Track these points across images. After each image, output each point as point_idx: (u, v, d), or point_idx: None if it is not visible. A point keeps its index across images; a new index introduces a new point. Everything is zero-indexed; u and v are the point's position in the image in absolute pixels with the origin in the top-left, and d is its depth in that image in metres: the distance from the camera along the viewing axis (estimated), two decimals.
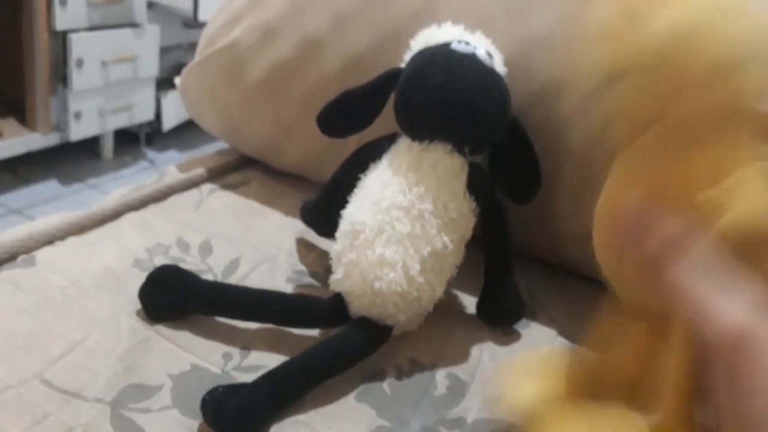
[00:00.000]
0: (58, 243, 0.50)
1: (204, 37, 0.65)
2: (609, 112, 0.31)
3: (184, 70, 0.65)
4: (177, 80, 0.67)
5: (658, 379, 0.31)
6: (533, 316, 0.50)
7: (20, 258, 0.47)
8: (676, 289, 0.26)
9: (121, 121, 1.70)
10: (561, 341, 0.48)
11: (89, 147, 1.76)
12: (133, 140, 1.88)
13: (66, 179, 1.66)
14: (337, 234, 0.44)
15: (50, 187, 1.62)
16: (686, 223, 0.27)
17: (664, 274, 0.26)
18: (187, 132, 1.87)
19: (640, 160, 0.30)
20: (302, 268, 0.52)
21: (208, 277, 0.48)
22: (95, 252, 0.49)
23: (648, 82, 0.29)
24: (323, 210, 0.50)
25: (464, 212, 0.44)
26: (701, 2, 0.28)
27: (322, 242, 0.54)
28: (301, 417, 0.38)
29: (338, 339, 0.41)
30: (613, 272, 0.33)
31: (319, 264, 0.52)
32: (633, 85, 0.29)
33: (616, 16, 0.30)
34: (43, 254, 0.48)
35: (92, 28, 1.54)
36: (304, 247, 0.54)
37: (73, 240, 0.50)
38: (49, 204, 1.53)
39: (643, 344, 0.32)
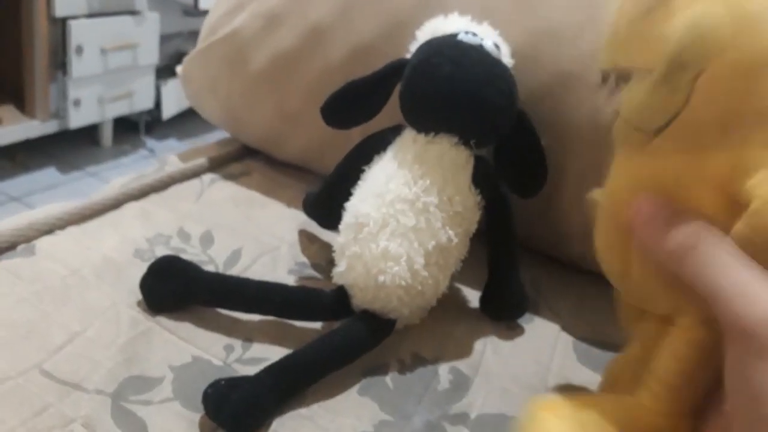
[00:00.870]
0: (58, 232, 0.49)
1: (206, 25, 0.64)
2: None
3: (186, 59, 0.65)
4: (179, 69, 0.66)
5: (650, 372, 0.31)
6: (537, 311, 0.49)
7: (20, 247, 0.47)
8: (702, 279, 0.26)
9: (121, 108, 1.70)
10: (564, 336, 0.47)
11: (88, 135, 1.75)
12: (133, 128, 1.88)
13: (65, 167, 1.66)
14: (341, 226, 0.44)
15: (49, 174, 1.61)
16: (707, 219, 0.27)
17: (688, 265, 0.26)
18: (187, 120, 1.86)
19: (653, 157, 0.29)
20: (304, 260, 0.51)
21: (210, 268, 0.48)
22: (95, 241, 0.49)
23: (676, 81, 0.27)
24: (326, 202, 0.50)
25: (469, 205, 0.43)
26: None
27: (324, 234, 0.54)
28: (303, 410, 0.37)
29: (341, 332, 0.41)
30: (617, 271, 0.32)
31: (322, 256, 0.51)
32: (651, 84, 0.28)
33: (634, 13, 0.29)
34: (42, 243, 0.48)
35: (92, 15, 1.53)
36: (306, 238, 0.54)
37: (72, 229, 0.50)
38: (48, 191, 1.52)
39: (653, 336, 0.32)
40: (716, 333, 0.28)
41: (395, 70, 0.45)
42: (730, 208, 0.27)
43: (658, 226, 0.28)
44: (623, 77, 0.29)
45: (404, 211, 0.41)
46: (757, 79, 0.26)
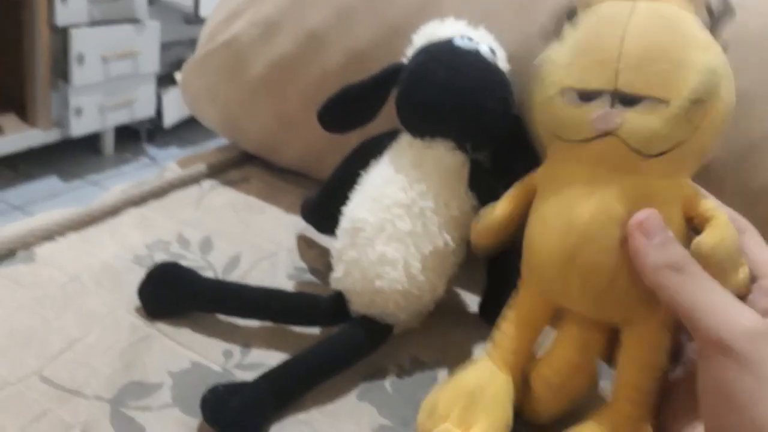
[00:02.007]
0: (58, 239, 0.49)
1: (204, 32, 0.64)
2: None
3: (184, 66, 0.65)
4: (177, 76, 0.66)
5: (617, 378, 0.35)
6: None
7: (19, 254, 0.47)
8: (686, 297, 0.29)
9: (122, 117, 1.70)
10: None
11: (90, 143, 1.76)
12: (134, 137, 1.88)
13: (66, 176, 1.66)
14: (338, 231, 0.44)
15: (51, 183, 1.62)
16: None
17: (674, 283, 0.30)
18: (188, 128, 1.86)
19: (644, 177, 0.33)
20: (303, 265, 0.51)
21: (209, 274, 0.48)
22: (95, 248, 0.49)
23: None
24: (324, 207, 0.50)
25: (466, 210, 0.43)
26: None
27: (322, 239, 0.54)
28: (301, 416, 0.38)
29: (339, 337, 0.41)
30: (604, 280, 0.34)
31: (320, 261, 0.52)
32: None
33: None
34: (42, 250, 0.48)
35: (93, 24, 1.54)
36: (304, 244, 0.54)
37: (72, 236, 0.50)
38: (50, 200, 1.53)
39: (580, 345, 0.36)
40: (673, 338, 0.34)
41: (391, 74, 0.46)
42: (685, 226, 0.33)
43: (654, 242, 0.31)
44: (626, 100, 0.32)
45: (401, 216, 0.41)
46: (725, 121, 0.33)
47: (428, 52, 0.44)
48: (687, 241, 0.32)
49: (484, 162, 0.46)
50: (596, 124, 0.33)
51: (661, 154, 0.32)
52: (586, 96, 0.34)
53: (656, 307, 0.33)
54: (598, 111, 0.33)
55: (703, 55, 0.32)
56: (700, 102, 0.31)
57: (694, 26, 0.33)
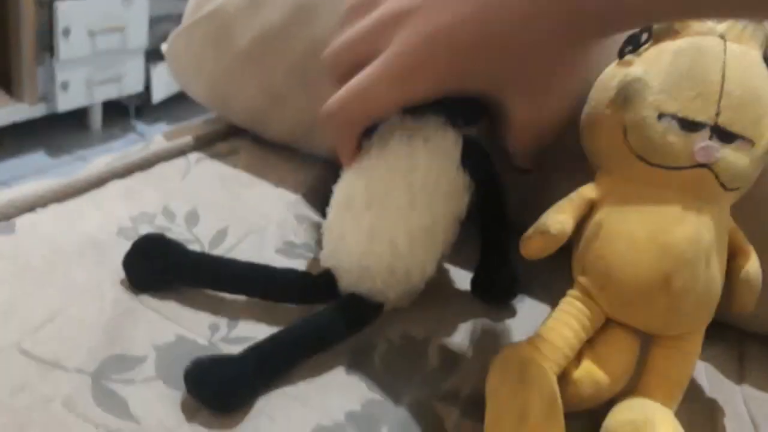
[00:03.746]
0: (39, 210, 0.48)
1: (191, 2, 0.63)
2: None
3: (170, 37, 0.63)
4: (163, 46, 0.64)
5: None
6: (529, 293, 0.49)
7: None
8: None
9: (110, 92, 1.68)
10: None
11: (77, 118, 1.74)
12: (123, 112, 1.86)
13: (54, 151, 1.64)
14: (328, 208, 0.43)
15: (37, 158, 1.60)
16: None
17: None
18: (177, 104, 1.84)
19: (717, 206, 0.37)
20: (292, 239, 0.50)
21: (195, 247, 0.47)
22: (78, 220, 0.48)
23: None
24: (322, 193, 0.49)
25: (458, 187, 0.43)
26: None
27: (312, 214, 0.53)
28: (289, 389, 0.37)
29: (327, 313, 0.40)
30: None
31: (310, 236, 0.51)
32: None
33: None
34: (23, 221, 0.47)
35: None
36: (294, 218, 0.53)
37: (55, 207, 0.49)
38: (37, 176, 1.51)
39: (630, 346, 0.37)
40: None
41: None
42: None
43: None
44: (723, 136, 0.35)
45: (390, 193, 0.40)
46: None
47: None
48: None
49: (478, 138, 0.45)
50: (698, 155, 0.35)
51: (735, 188, 0.36)
52: (689, 126, 0.35)
53: (705, 323, 0.37)
54: (700, 143, 0.35)
55: None
56: None
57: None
